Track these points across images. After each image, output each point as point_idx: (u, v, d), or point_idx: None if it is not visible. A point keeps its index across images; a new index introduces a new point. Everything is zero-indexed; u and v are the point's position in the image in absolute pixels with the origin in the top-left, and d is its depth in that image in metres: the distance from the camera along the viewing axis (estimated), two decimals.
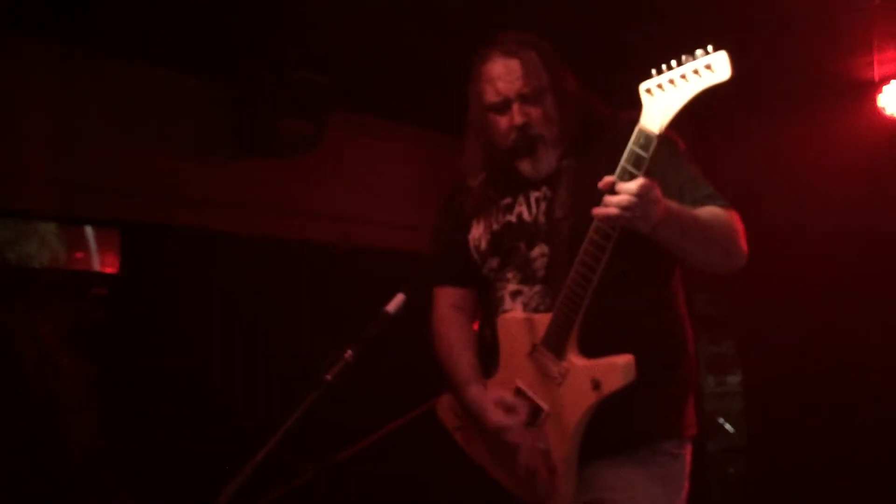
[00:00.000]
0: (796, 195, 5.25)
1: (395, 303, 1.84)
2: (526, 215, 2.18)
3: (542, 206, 2.15)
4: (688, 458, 2.12)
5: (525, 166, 2.17)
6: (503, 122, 2.14)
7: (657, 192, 1.82)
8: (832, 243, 5.15)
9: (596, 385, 1.94)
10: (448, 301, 2.34)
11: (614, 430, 2.00)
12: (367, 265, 4.59)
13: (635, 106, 1.85)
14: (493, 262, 2.22)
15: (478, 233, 2.25)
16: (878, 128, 4.94)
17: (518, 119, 2.10)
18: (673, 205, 1.89)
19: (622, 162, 1.83)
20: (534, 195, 2.18)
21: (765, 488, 5.61)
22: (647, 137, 1.80)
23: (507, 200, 2.22)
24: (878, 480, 4.85)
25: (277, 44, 3.99)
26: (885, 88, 4.82)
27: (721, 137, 5.12)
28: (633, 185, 1.79)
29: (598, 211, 1.84)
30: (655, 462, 2.05)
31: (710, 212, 2.01)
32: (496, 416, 2.09)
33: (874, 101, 4.86)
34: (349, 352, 1.78)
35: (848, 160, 5.07)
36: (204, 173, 4.31)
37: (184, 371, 3.91)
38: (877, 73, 4.79)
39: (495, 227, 2.21)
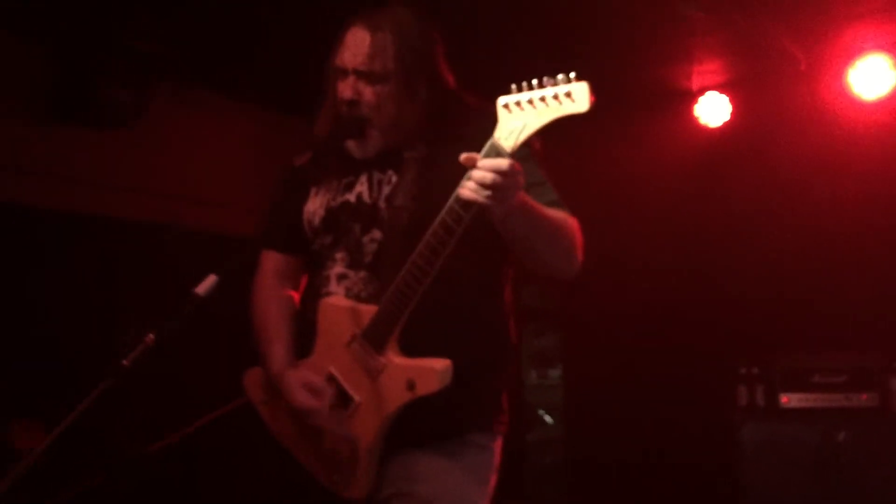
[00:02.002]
0: (618, 199, 5.44)
1: (206, 284, 1.75)
2: (366, 197, 2.11)
3: (385, 190, 2.09)
4: (497, 451, 2.12)
5: (351, 144, 2.12)
6: (339, 88, 2.08)
7: (521, 178, 1.78)
8: (652, 247, 5.39)
9: (411, 386, 1.93)
10: (272, 266, 2.26)
11: (424, 422, 1.98)
12: (193, 248, 4.28)
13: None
14: (327, 239, 2.15)
15: (313, 206, 2.17)
16: (694, 135, 5.21)
17: (347, 93, 2.05)
18: (528, 197, 1.85)
19: (471, 173, 1.77)
20: (377, 177, 2.12)
21: (579, 478, 5.85)
22: (497, 154, 1.76)
23: (350, 178, 2.15)
24: (685, 474, 5.13)
25: (105, 6, 3.72)
26: (701, 99, 5.12)
27: (546, 140, 5.22)
28: (503, 163, 1.73)
29: (463, 191, 1.77)
30: (462, 453, 2.05)
31: (557, 215, 1.99)
32: (301, 398, 2.03)
33: (691, 110, 5.14)
34: (150, 335, 1.68)
35: (666, 165, 5.30)
36: (12, 138, 3.95)
37: None
38: (695, 83, 5.06)
39: (332, 204, 2.14)
